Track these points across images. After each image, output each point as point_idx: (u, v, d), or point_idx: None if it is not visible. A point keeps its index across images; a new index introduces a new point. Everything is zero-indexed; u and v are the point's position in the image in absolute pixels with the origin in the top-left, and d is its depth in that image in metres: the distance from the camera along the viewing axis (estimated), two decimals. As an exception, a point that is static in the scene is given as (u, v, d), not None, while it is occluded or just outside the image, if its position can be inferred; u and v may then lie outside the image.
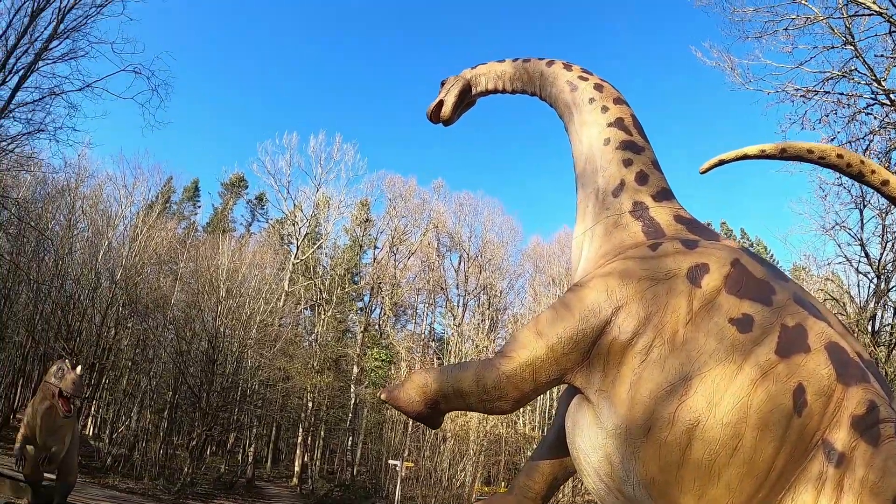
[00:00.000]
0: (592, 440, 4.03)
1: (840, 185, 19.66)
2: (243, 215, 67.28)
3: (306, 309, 50.74)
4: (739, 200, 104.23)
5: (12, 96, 14.63)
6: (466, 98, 6.55)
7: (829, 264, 24.43)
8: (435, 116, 6.47)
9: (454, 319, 49.72)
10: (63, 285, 30.19)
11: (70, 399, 10.11)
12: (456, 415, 33.67)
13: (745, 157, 5.06)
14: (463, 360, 40.96)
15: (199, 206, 67.62)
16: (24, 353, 28.81)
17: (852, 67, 17.59)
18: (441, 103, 6.42)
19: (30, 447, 10.91)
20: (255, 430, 41.98)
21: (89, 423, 32.76)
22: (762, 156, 4.99)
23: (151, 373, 32.67)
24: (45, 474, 11.99)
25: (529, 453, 34.26)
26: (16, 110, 14.94)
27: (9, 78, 14.69)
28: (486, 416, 32.95)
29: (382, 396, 4.48)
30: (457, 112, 6.50)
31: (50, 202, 31.67)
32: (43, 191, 32.12)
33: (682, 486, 3.56)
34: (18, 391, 30.11)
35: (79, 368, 10.45)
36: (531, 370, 4.11)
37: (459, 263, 53.06)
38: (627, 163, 5.15)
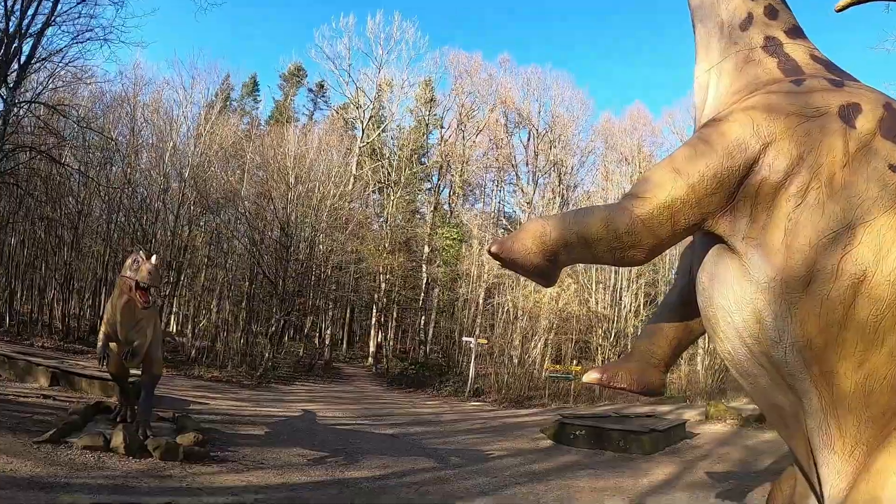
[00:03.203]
0: (738, 295, 3.59)
1: None
2: (305, 105, 66.41)
3: (374, 192, 50.93)
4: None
5: (54, 7, 14.27)
6: None
7: None
8: None
9: (524, 196, 49.17)
10: (134, 192, 31.02)
11: (147, 289, 9.57)
12: (529, 292, 33.75)
13: None
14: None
15: (260, 101, 67.09)
16: (104, 262, 29.81)
17: None
18: None
19: (112, 344, 10.77)
20: (330, 314, 43.41)
21: (172, 320, 34.46)
22: None
23: (227, 266, 33.73)
24: (132, 370, 12.06)
25: (601, 332, 34.50)
26: (57, 19, 14.64)
27: (46, -14, 14.29)
28: (557, 294, 32.95)
29: (493, 249, 3.79)
30: None
31: (111, 112, 32.08)
32: (102, 104, 32.63)
33: (842, 349, 3.19)
34: (102, 300, 31.47)
35: (154, 258, 9.87)
36: (669, 213, 3.59)
37: (528, 140, 51.57)
38: None
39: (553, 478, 11.63)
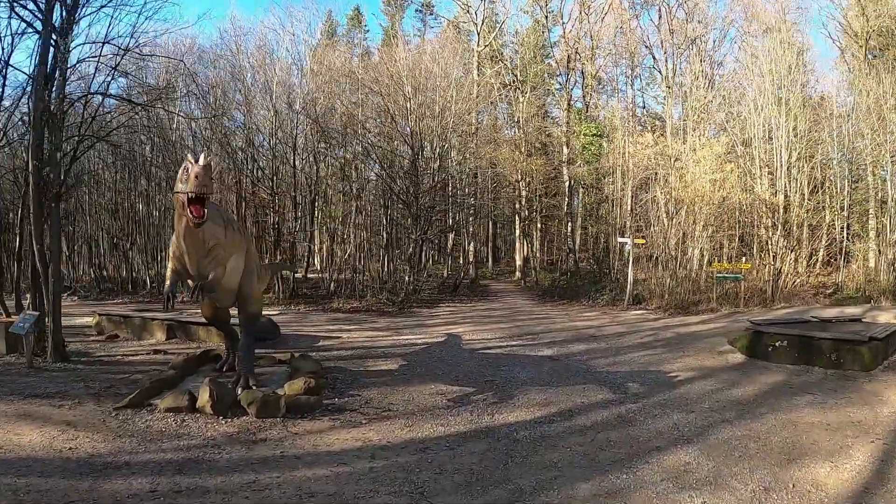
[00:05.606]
0: None
1: None
2: (415, 25, 63.05)
3: (502, 100, 47.52)
4: None
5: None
6: None
7: None
8: None
9: (662, 82, 44.14)
10: (249, 136, 29.64)
11: (201, 201, 7.16)
12: (687, 181, 29.43)
13: None
14: (685, 122, 35.99)
15: (367, 31, 63.66)
16: (239, 211, 28.30)
17: None
18: None
19: (190, 283, 8.53)
20: (471, 230, 41.37)
21: (315, 259, 33.95)
22: None
23: (360, 196, 31.79)
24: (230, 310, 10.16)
25: (769, 223, 29.70)
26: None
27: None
28: (716, 182, 28.47)
29: None
30: None
31: (213, 64, 30.62)
32: (208, 62, 30.95)
33: None
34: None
35: (202, 157, 7.37)
36: None
37: (660, 19, 45.81)
38: None
39: (766, 410, 8.64)
